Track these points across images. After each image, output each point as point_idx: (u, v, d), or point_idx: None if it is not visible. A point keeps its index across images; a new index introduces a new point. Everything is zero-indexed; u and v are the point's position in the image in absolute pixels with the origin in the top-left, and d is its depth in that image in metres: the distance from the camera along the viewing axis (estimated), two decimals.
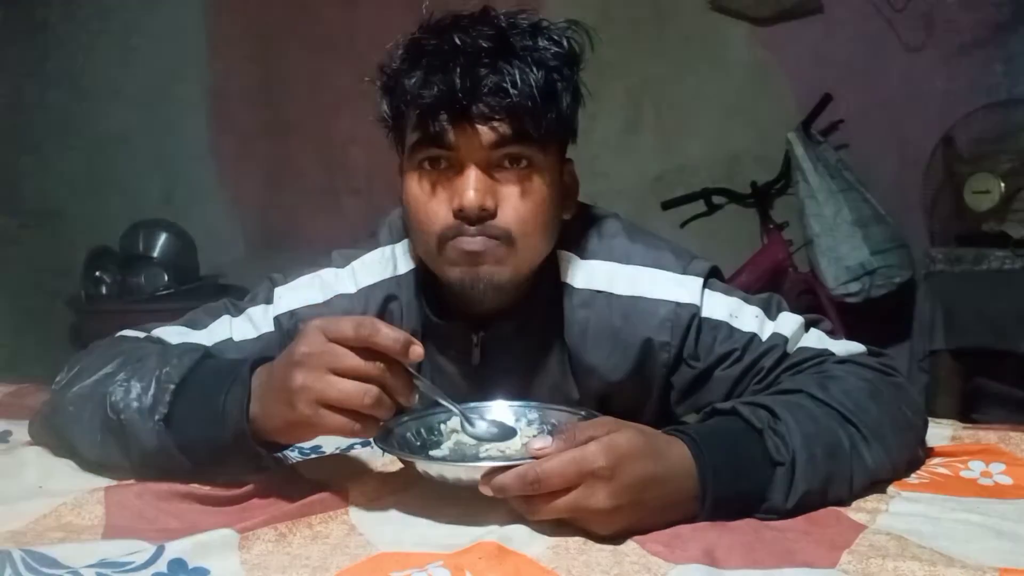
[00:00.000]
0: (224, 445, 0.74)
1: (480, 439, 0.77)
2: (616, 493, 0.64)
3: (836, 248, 2.46)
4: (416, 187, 0.88)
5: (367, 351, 0.67)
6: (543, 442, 0.66)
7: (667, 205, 2.64)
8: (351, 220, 3.04)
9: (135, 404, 0.76)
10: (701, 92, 2.77)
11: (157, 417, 0.74)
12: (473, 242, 0.85)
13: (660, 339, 0.92)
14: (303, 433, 0.72)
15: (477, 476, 0.67)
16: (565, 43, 0.88)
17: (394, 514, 0.72)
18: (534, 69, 0.83)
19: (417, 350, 0.68)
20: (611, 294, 0.93)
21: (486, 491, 0.66)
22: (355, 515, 0.71)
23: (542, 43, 0.85)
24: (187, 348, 0.82)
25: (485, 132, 0.84)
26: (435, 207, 0.86)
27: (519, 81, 0.82)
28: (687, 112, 2.78)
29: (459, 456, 0.79)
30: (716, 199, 2.68)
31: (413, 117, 0.86)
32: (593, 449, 0.65)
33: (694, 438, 0.70)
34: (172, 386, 0.75)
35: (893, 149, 2.63)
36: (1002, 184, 2.24)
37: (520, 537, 0.65)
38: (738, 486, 0.70)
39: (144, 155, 3.18)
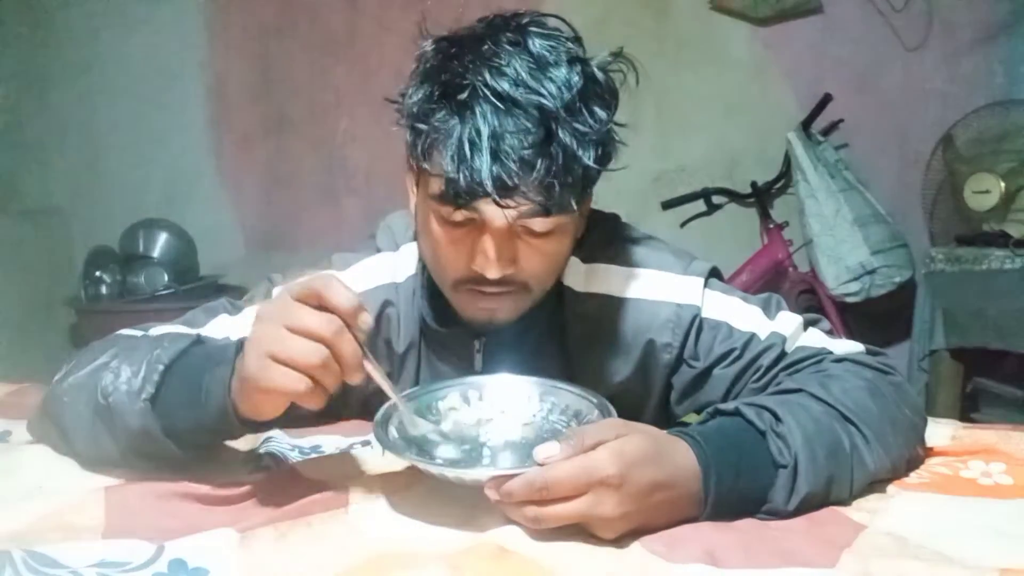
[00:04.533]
0: (206, 425, 0.73)
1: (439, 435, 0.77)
2: (624, 500, 0.64)
3: (836, 248, 2.46)
4: (434, 226, 0.84)
5: (325, 314, 0.66)
6: (550, 449, 0.65)
7: (667, 205, 2.64)
8: (351, 220, 3.04)
9: (124, 387, 0.75)
10: (701, 92, 2.77)
11: (144, 396, 0.73)
12: (490, 297, 0.85)
13: (662, 340, 0.92)
14: (258, 396, 0.68)
15: (480, 478, 0.66)
16: (609, 86, 0.83)
17: (394, 514, 0.72)
18: (582, 152, 0.78)
19: (366, 318, 0.67)
20: (612, 296, 0.93)
21: (492, 496, 0.66)
22: (355, 515, 0.71)
23: (594, 110, 0.79)
24: (179, 334, 0.82)
25: (517, 207, 0.79)
26: (454, 255, 0.84)
27: (564, 172, 0.77)
28: (687, 112, 2.79)
29: (458, 437, 0.79)
30: (716, 199, 2.69)
31: (440, 176, 0.80)
32: (603, 456, 0.64)
33: (698, 440, 0.70)
34: (161, 367, 0.74)
35: (893, 149, 2.63)
36: (1002, 184, 2.24)
37: (520, 537, 0.65)
38: (740, 488, 0.70)
39: (144, 155, 3.17)
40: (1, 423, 0.97)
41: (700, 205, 2.67)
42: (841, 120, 2.61)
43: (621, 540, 0.65)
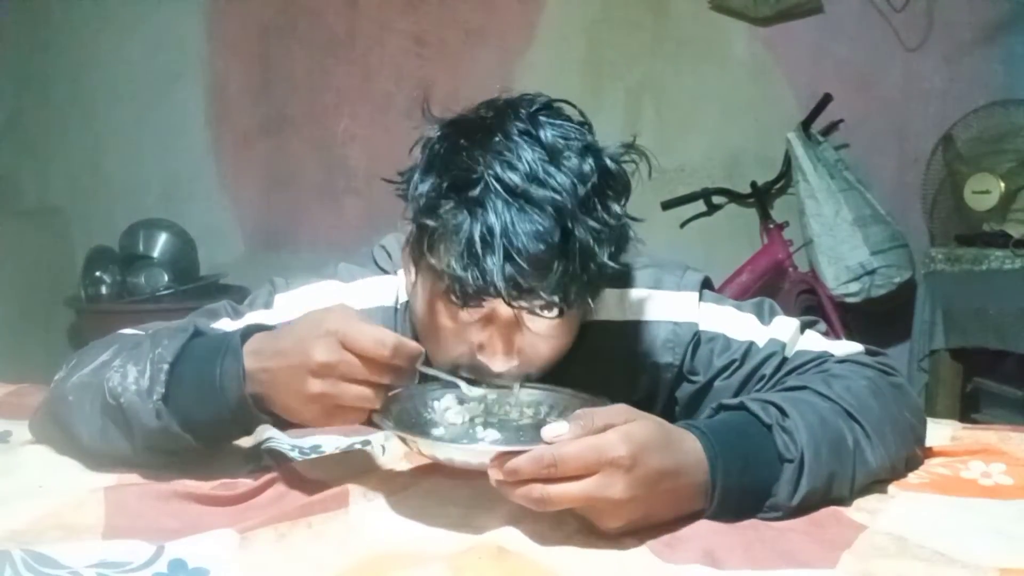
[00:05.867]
0: (225, 417, 0.75)
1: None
2: (633, 484, 0.63)
3: (836, 248, 2.46)
4: (436, 315, 0.82)
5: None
6: (558, 428, 0.64)
7: (667, 205, 2.64)
8: (351, 220, 3.04)
9: (133, 387, 0.76)
10: (701, 92, 2.77)
11: (156, 397, 0.74)
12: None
13: (664, 361, 0.92)
14: (313, 426, 0.77)
15: (485, 459, 0.65)
16: (622, 177, 0.82)
17: (394, 515, 0.72)
18: (598, 250, 0.76)
19: (422, 357, 0.72)
20: (609, 321, 0.92)
21: (496, 475, 0.64)
22: (355, 515, 0.71)
23: (608, 204, 0.78)
24: (177, 328, 0.82)
25: (530, 306, 0.77)
26: (455, 345, 0.82)
27: (580, 272, 0.75)
28: (687, 112, 2.78)
29: (457, 435, 0.79)
30: (716, 199, 2.69)
31: (447, 273, 0.76)
32: (613, 437, 0.63)
33: (705, 432, 0.70)
34: (166, 366, 0.75)
35: (893, 149, 2.63)
36: (1002, 184, 2.24)
37: (520, 538, 0.65)
38: (746, 481, 0.69)
39: (144, 155, 3.17)
40: (1, 423, 0.97)
41: (700, 205, 2.67)
42: (841, 120, 2.61)
43: (621, 540, 0.65)
